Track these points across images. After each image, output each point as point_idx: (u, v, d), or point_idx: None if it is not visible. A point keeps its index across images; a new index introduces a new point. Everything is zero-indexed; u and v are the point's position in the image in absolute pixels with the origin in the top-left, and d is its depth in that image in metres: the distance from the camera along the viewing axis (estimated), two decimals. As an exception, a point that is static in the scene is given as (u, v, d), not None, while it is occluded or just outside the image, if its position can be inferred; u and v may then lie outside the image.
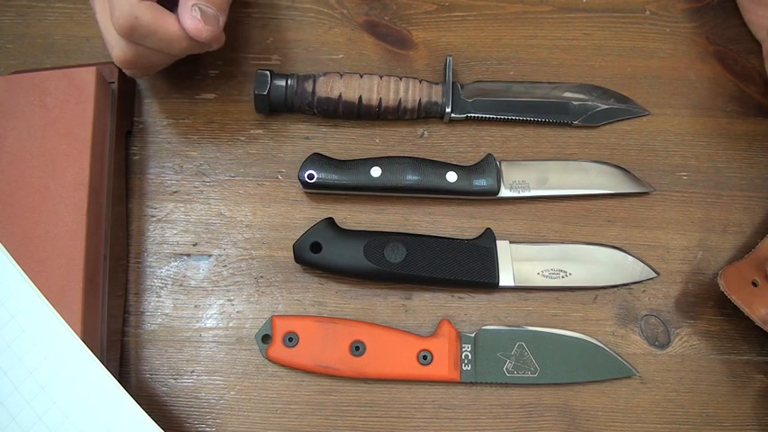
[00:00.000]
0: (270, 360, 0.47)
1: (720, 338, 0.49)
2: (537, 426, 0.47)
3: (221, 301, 0.48)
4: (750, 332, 0.48)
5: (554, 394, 0.47)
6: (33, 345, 0.41)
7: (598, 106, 0.53)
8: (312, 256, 0.47)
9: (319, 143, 0.52)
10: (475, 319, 0.48)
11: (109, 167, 0.48)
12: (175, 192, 0.51)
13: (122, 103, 0.50)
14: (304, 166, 0.49)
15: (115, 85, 0.49)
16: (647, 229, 0.51)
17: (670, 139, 0.53)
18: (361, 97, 0.50)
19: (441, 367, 0.46)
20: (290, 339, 0.46)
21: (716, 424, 0.47)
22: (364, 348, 0.46)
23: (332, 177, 0.49)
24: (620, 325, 0.49)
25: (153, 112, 0.52)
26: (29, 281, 0.42)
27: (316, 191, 0.50)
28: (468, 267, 0.48)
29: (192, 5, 0.42)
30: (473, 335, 0.47)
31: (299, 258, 0.48)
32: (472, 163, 0.51)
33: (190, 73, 0.53)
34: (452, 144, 0.52)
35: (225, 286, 0.49)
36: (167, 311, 0.48)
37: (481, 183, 0.49)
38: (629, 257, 0.50)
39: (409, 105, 0.51)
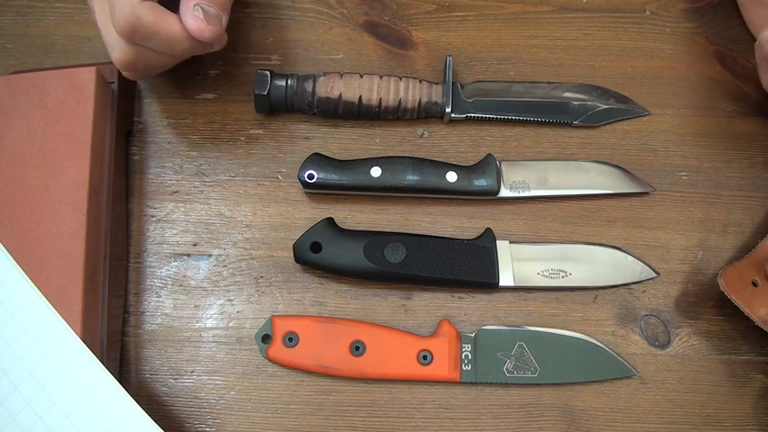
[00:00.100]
0: (270, 360, 0.47)
1: (720, 338, 0.49)
2: (537, 426, 0.47)
3: (221, 301, 0.48)
4: (750, 332, 0.48)
5: (554, 394, 0.47)
6: (33, 345, 0.41)
7: (598, 106, 0.53)
8: (312, 256, 0.47)
9: (319, 143, 0.52)
10: (475, 319, 0.48)
11: (109, 167, 0.48)
12: (175, 192, 0.51)
13: (122, 103, 0.50)
14: (304, 166, 0.49)
15: (115, 85, 0.49)
16: (647, 229, 0.51)
17: (670, 139, 0.53)
18: (361, 97, 0.50)
19: (441, 367, 0.46)
20: (290, 339, 0.46)
21: (716, 424, 0.47)
22: (364, 348, 0.46)
23: (332, 177, 0.49)
24: (620, 325, 0.49)
25: (153, 112, 0.52)
26: (29, 281, 0.42)
27: (316, 191, 0.50)
28: (468, 267, 0.48)
29: (195, 5, 0.42)
30: (473, 335, 0.47)
31: (299, 258, 0.48)
32: (472, 163, 0.51)
33: (190, 73, 0.53)
34: (452, 144, 0.52)
35: (225, 286, 0.49)
36: (167, 311, 0.48)
37: (481, 183, 0.49)
38: (629, 257, 0.50)
39: (409, 105, 0.51)
